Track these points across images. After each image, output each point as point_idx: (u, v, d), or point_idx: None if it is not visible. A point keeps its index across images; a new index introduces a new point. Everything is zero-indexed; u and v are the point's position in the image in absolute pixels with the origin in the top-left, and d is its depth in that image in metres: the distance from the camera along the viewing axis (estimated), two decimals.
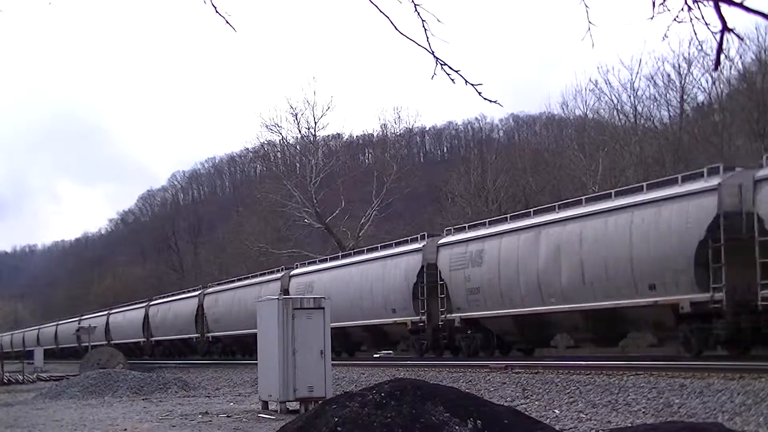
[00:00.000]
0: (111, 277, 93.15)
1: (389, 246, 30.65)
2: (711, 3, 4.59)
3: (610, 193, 21.85)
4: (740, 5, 4.48)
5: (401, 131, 57.35)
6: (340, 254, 36.54)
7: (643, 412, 11.88)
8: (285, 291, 34.09)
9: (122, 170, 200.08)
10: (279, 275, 37.32)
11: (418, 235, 28.91)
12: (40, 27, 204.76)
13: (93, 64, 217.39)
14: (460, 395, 7.33)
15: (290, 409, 15.01)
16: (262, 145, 58.75)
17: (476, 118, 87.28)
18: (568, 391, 14.32)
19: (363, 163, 67.78)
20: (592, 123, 44.88)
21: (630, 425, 10.31)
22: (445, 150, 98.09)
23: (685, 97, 39.27)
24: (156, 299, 53.59)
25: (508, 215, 26.08)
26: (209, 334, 43.50)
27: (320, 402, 8.85)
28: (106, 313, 60.54)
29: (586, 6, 5.04)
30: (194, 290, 48.00)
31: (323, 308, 15.74)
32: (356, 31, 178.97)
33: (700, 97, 39.95)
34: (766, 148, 30.17)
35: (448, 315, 25.80)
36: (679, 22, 4.76)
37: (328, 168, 52.06)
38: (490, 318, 24.49)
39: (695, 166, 25.94)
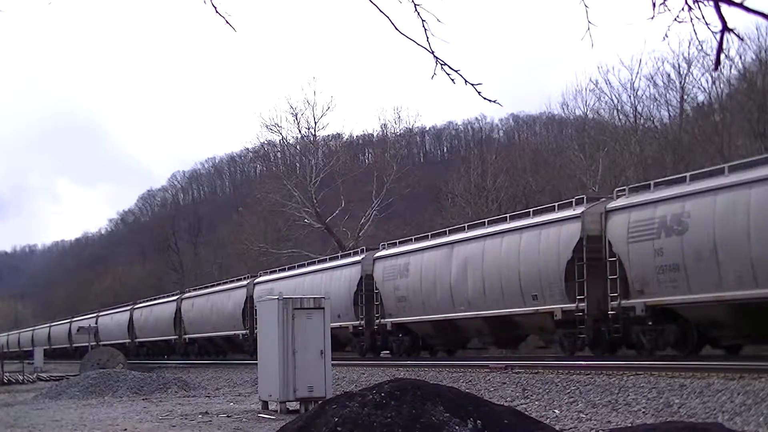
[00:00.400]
0: (111, 277, 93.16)
1: (336, 258, 34.48)
2: (711, 3, 4.59)
3: (506, 216, 26.07)
4: (740, 5, 4.48)
5: (401, 131, 57.36)
6: (296, 264, 38.78)
7: (643, 412, 11.88)
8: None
9: (122, 170, 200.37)
10: (245, 282, 39.83)
11: (359, 249, 32.43)
12: (39, 27, 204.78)
13: (93, 63, 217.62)
14: (460, 395, 7.33)
15: (290, 409, 15.01)
16: (262, 145, 58.77)
17: (476, 118, 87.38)
18: (568, 391, 14.32)
19: (363, 163, 67.74)
20: (592, 123, 44.86)
21: (630, 425, 10.31)
22: (445, 150, 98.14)
23: (685, 97, 39.27)
24: (140, 303, 55.20)
25: (430, 234, 28.94)
26: (186, 336, 46.22)
27: (320, 402, 8.84)
28: (95, 315, 62.02)
29: (586, 6, 5.04)
30: (173, 295, 50.75)
31: (323, 308, 15.76)
32: (356, 31, 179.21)
33: (700, 97, 39.95)
34: (766, 148, 30.19)
35: (382, 320, 28.98)
36: (679, 22, 4.76)
37: (328, 168, 52.03)
38: (414, 323, 27.74)
39: (695, 166, 26.03)
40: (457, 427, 6.63)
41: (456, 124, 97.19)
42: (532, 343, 26.42)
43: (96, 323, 58.09)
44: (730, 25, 4.58)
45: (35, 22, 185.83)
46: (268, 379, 15.79)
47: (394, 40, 73.24)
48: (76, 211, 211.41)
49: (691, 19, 4.70)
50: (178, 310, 47.35)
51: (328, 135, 56.81)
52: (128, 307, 56.53)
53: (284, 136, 53.66)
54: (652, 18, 4.74)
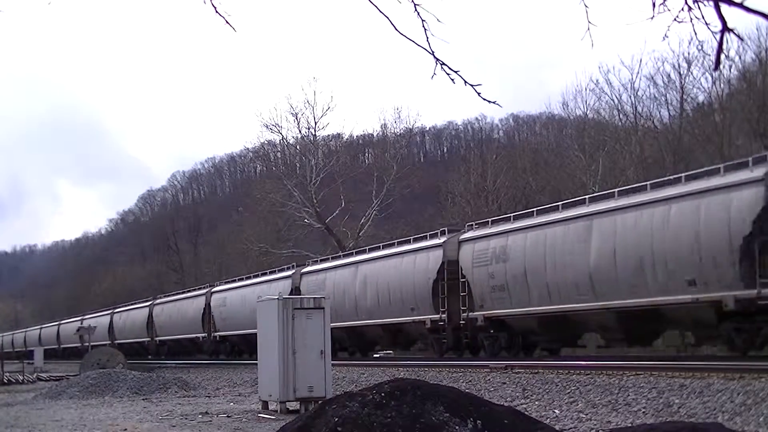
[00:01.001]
0: (111, 277, 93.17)
1: (407, 242, 29.87)
2: (711, 3, 4.59)
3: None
4: (740, 5, 4.48)
5: (401, 131, 57.36)
6: (354, 251, 34.92)
7: (643, 412, 11.88)
8: (296, 289, 33.82)
9: (122, 170, 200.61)
10: (290, 273, 36.52)
11: (438, 231, 28.20)
12: (38, 26, 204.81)
13: (92, 63, 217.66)
14: (460, 395, 7.33)
15: (290, 409, 15.02)
16: (262, 145, 58.82)
17: (476, 118, 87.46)
18: (568, 391, 14.32)
19: (363, 163, 67.74)
20: (592, 123, 44.87)
21: (630, 425, 10.31)
22: (445, 150, 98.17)
23: (685, 97, 39.27)
24: (160, 298, 53.41)
25: (535, 209, 24.57)
26: (216, 334, 42.82)
27: (320, 402, 8.85)
28: (109, 312, 60.33)
29: (586, 6, 5.04)
30: (201, 289, 47.52)
31: (323, 308, 15.76)
32: (356, 31, 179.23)
33: (700, 97, 39.95)
34: (766, 148, 30.18)
35: (470, 313, 24.93)
36: (679, 22, 4.76)
37: (328, 168, 52.03)
38: (514, 317, 23.76)
39: (695, 166, 26.09)
40: (457, 427, 6.62)
41: (456, 124, 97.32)
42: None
43: (110, 321, 58.03)
44: (730, 25, 4.59)
45: (34, 22, 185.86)
46: (268, 379, 15.79)
47: (394, 40, 73.35)
48: (75, 212, 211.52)
49: (691, 19, 4.70)
50: (207, 305, 44.00)
51: (328, 135, 56.89)
52: (147, 303, 53.95)
53: (284, 136, 53.75)
54: (652, 18, 4.74)
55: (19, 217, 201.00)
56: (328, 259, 34.58)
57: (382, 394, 7.01)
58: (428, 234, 29.17)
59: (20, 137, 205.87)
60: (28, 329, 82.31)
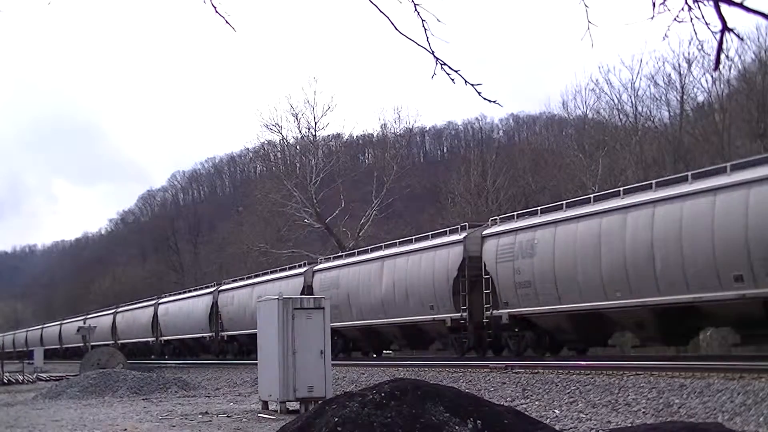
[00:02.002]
0: (111, 277, 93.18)
1: (425, 238, 28.76)
2: (711, 3, 4.59)
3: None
4: (740, 5, 4.48)
5: (401, 131, 57.37)
6: (369, 248, 33.08)
7: (643, 412, 11.88)
8: (308, 287, 33.11)
9: (121, 170, 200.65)
10: (302, 270, 35.30)
11: (458, 226, 27.37)
12: (37, 26, 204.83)
13: (92, 63, 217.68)
14: (460, 395, 7.33)
15: (290, 409, 15.01)
16: (262, 145, 58.82)
17: (476, 118, 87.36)
18: (568, 391, 14.32)
19: (363, 163, 67.78)
20: (592, 123, 44.88)
21: (630, 425, 10.31)
22: (445, 150, 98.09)
23: (685, 97, 39.29)
24: (166, 297, 52.42)
25: (564, 203, 23.20)
26: (224, 333, 41.74)
27: (320, 402, 8.84)
28: (112, 311, 59.42)
29: (586, 6, 5.04)
30: (208, 287, 46.22)
31: (323, 308, 15.76)
32: (356, 31, 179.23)
33: (700, 97, 39.98)
34: (766, 148, 30.18)
35: (494, 311, 23.74)
36: (679, 22, 4.76)
37: (328, 168, 52.05)
38: (542, 314, 22.61)
39: (695, 166, 26.06)
40: (457, 427, 6.63)
41: (456, 124, 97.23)
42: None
43: (113, 321, 57.55)
44: (730, 25, 4.59)
45: (33, 22, 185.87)
46: (268, 379, 15.79)
47: (394, 40, 73.34)
48: (75, 212, 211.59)
49: (691, 19, 4.70)
50: (215, 304, 42.76)
51: (328, 135, 56.89)
52: (152, 302, 52.87)
53: (284, 136, 53.76)
54: (652, 18, 4.74)
55: (18, 217, 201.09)
56: (342, 256, 33.68)
57: (382, 394, 7.01)
58: (448, 229, 27.96)
59: (19, 137, 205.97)
60: (30, 329, 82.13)
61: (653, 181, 20.36)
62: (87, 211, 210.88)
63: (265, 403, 15.86)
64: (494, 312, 23.73)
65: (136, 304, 56.10)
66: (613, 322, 21.33)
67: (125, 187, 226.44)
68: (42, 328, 76.39)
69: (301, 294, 31.40)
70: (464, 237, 25.50)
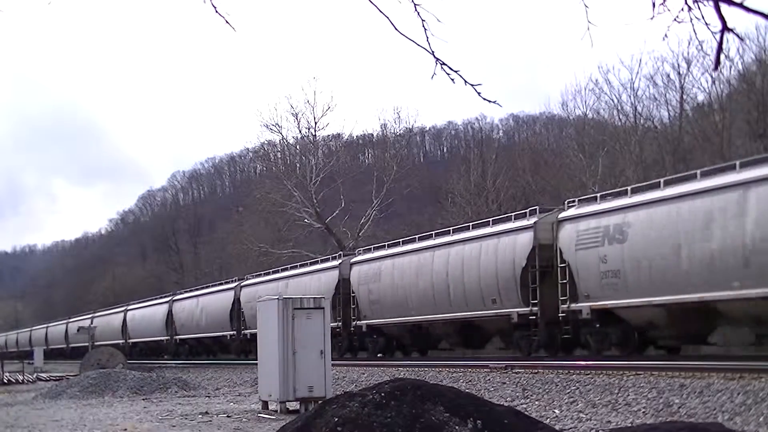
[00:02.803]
0: (111, 277, 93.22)
1: (485, 225, 26.15)
2: (711, 3, 4.59)
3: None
4: (740, 5, 4.48)
5: (401, 131, 57.45)
6: (417, 236, 30.22)
7: (643, 412, 11.88)
8: (344, 281, 31.47)
9: (121, 170, 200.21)
10: (336, 263, 33.27)
11: (527, 211, 24.69)
12: (37, 24, 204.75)
13: (91, 63, 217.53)
14: (460, 395, 7.33)
15: (290, 409, 15.02)
16: (262, 145, 58.87)
17: (476, 118, 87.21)
18: (568, 391, 14.32)
19: (363, 163, 67.79)
20: (592, 123, 44.90)
21: (630, 425, 10.31)
22: (445, 150, 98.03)
23: (684, 97, 39.31)
24: (181, 293, 50.77)
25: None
26: (246, 332, 39.19)
27: (320, 402, 8.85)
28: (122, 309, 57.78)
29: (586, 6, 5.05)
30: (229, 283, 44.11)
31: (323, 308, 15.77)
32: (356, 31, 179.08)
33: (700, 97, 39.99)
34: (766, 148, 30.19)
35: (572, 305, 21.20)
36: (679, 22, 4.76)
37: (328, 168, 52.07)
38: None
39: (695, 166, 26.03)
40: (457, 427, 6.63)
41: (456, 124, 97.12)
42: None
43: (124, 318, 56.57)
44: (729, 25, 4.59)
45: (32, 21, 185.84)
46: (268, 379, 15.80)
47: (394, 40, 73.32)
48: (74, 212, 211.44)
49: (691, 19, 4.71)
50: (237, 301, 41.00)
51: (328, 135, 56.92)
52: (167, 299, 51.08)
53: (284, 136, 53.79)
54: (652, 18, 4.75)
55: (18, 217, 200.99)
56: (384, 246, 31.02)
57: (382, 394, 7.01)
58: (513, 215, 25.40)
59: (18, 137, 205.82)
60: (34, 328, 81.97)
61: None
62: (87, 211, 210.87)
63: (265, 403, 15.87)
64: (572, 305, 21.05)
65: (149, 301, 54.86)
66: (722, 317, 18.31)
67: (125, 187, 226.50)
68: (47, 327, 76.14)
69: (336, 289, 31.26)
70: (534, 222, 22.79)
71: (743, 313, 17.45)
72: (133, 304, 56.93)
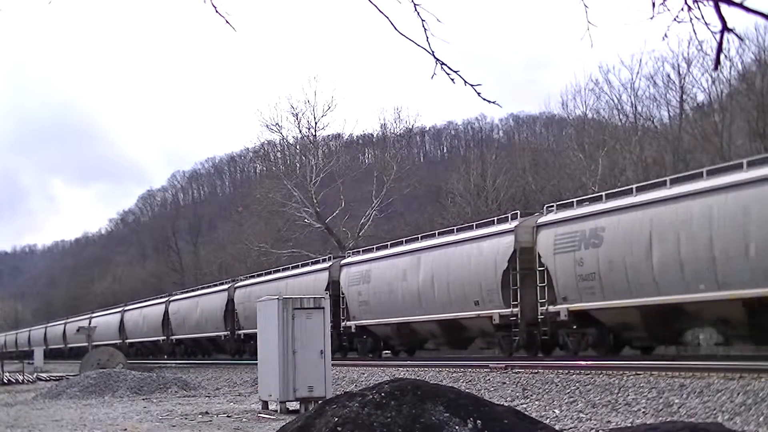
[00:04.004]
0: (111, 277, 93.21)
1: (469, 228, 27.16)
2: (711, 3, 4.59)
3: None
4: (740, 5, 4.48)
5: (401, 131, 57.42)
6: (403, 240, 31.09)
7: (643, 412, 11.88)
8: (334, 283, 32.05)
9: (121, 170, 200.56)
10: (326, 265, 34.06)
11: (509, 215, 25.56)
12: (35, 23, 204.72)
13: (90, 63, 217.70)
14: (460, 395, 7.32)
15: (290, 409, 15.02)
16: (262, 145, 58.89)
17: (476, 118, 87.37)
18: (568, 391, 14.32)
19: (363, 163, 67.78)
20: (592, 123, 44.90)
21: (630, 425, 10.31)
22: (445, 150, 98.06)
23: (685, 97, 39.32)
24: (177, 294, 51.16)
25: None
26: (240, 332, 39.94)
27: (320, 402, 8.85)
28: (120, 310, 58.19)
29: (586, 6, 5.04)
30: (222, 284, 44.90)
31: (323, 308, 15.77)
32: (356, 31, 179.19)
33: (700, 97, 40.01)
34: (766, 148, 30.19)
35: (551, 307, 21.92)
36: (678, 22, 4.76)
37: (328, 168, 52.07)
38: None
39: (695, 166, 26.07)
40: (457, 427, 6.62)
41: (456, 124, 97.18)
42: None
43: (121, 319, 56.69)
44: (729, 25, 4.59)
45: (31, 20, 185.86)
46: (268, 379, 15.80)
47: (394, 40, 73.29)
48: (74, 212, 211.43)
49: (691, 19, 4.70)
50: (230, 302, 41.50)
51: (328, 135, 56.93)
52: (163, 300, 51.97)
53: (284, 136, 53.81)
54: (652, 18, 4.74)
55: (17, 217, 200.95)
56: (373, 249, 31.80)
57: (382, 394, 7.01)
58: (495, 219, 26.36)
59: (17, 137, 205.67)
60: (33, 328, 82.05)
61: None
62: (86, 211, 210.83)
63: (265, 403, 15.87)
64: (550, 308, 21.80)
65: (146, 301, 55.17)
66: (692, 318, 19.00)
67: (124, 188, 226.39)
68: (45, 327, 76.16)
69: (326, 290, 31.16)
70: (515, 226, 23.58)
71: (710, 315, 18.22)
72: (131, 304, 57.17)
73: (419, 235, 30.36)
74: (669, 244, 18.61)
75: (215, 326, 42.57)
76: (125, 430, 13.43)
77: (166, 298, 51.01)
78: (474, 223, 27.40)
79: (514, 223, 23.85)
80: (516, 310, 23.01)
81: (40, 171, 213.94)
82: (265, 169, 66.42)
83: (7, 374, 34.39)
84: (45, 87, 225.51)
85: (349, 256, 33.44)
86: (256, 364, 17.63)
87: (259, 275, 41.17)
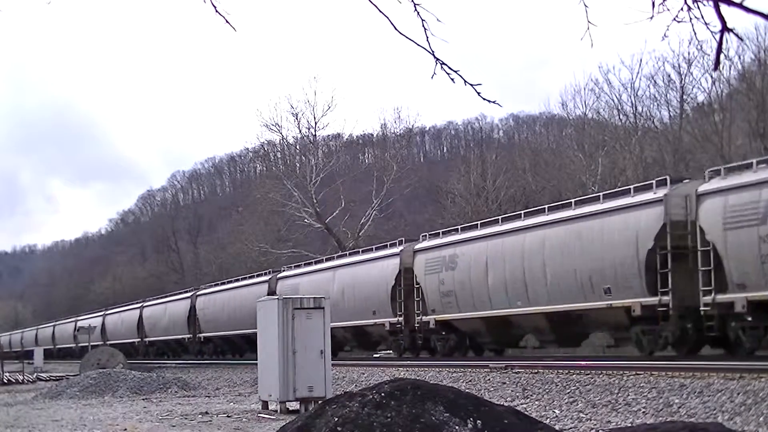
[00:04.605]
0: (111, 277, 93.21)
1: (369, 250, 32.21)
2: (710, 3, 4.59)
3: (570, 203, 23.09)
4: (740, 5, 4.48)
5: (401, 131, 57.41)
6: (324, 258, 36.67)
7: (643, 412, 11.88)
8: (272, 293, 34.61)
9: (120, 170, 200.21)
10: (267, 278, 38.37)
11: (397, 240, 30.28)
12: (34, 24, 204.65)
13: (90, 63, 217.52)
14: (460, 395, 7.32)
15: (290, 409, 15.02)
16: (262, 145, 58.85)
17: (476, 118, 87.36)
18: (568, 391, 14.32)
19: (363, 163, 67.77)
20: (592, 123, 44.89)
21: (630, 425, 10.31)
22: (445, 150, 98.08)
23: (685, 97, 39.31)
24: (149, 300, 54.17)
25: (479, 222, 27.36)
26: (201, 335, 44.74)
27: (320, 402, 8.85)
28: (101, 314, 60.93)
29: (586, 6, 5.04)
30: (186, 292, 49.00)
31: (323, 308, 15.76)
32: (356, 31, 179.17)
33: (700, 97, 40.01)
34: (766, 148, 30.20)
35: (424, 317, 27.09)
36: (678, 21, 4.75)
37: (328, 168, 52.06)
38: (461, 320, 26.03)
39: (695, 166, 26.12)
40: (457, 427, 6.62)
41: (456, 124, 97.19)
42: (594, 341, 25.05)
43: (103, 322, 57.97)
44: (729, 25, 4.58)
45: (29, 20, 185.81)
46: (268, 379, 15.80)
47: (394, 40, 73.22)
48: (74, 212, 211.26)
49: (691, 19, 4.70)
50: (192, 308, 45.25)
51: (328, 135, 56.91)
52: (137, 305, 54.46)
53: (284, 136, 53.78)
54: (652, 18, 4.74)
55: (17, 217, 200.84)
56: (301, 265, 35.56)
57: (382, 394, 7.01)
58: (388, 243, 31.18)
59: (15, 137, 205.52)
60: (25, 330, 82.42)
61: (572, 200, 23.24)
62: (86, 211, 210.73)
63: (265, 403, 15.87)
64: (423, 318, 26.86)
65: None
66: (515, 327, 24.46)
67: (124, 188, 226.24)
68: (54, 325, 75.97)
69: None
70: (400, 251, 28.55)
71: (526, 325, 23.82)
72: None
73: (335, 255, 36.34)
74: (498, 270, 23.87)
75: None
76: (125, 430, 13.43)
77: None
78: (374, 246, 32.51)
79: (400, 248, 28.80)
80: (401, 318, 27.89)
81: (40, 171, 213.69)
82: (265, 169, 66.42)
83: (7, 374, 34.38)
84: (44, 87, 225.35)
85: (285, 270, 36.43)
86: (241, 364, 17.67)
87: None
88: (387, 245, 30.80)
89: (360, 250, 34.05)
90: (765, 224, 16.80)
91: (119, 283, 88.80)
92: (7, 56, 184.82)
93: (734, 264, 17.50)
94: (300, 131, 52.44)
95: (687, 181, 20.03)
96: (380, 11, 5.28)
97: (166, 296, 53.28)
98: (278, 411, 15.07)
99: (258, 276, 40.39)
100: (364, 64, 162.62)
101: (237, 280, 42.95)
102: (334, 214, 51.00)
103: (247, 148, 69.24)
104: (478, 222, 27.40)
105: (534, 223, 23.16)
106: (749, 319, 17.47)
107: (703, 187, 18.65)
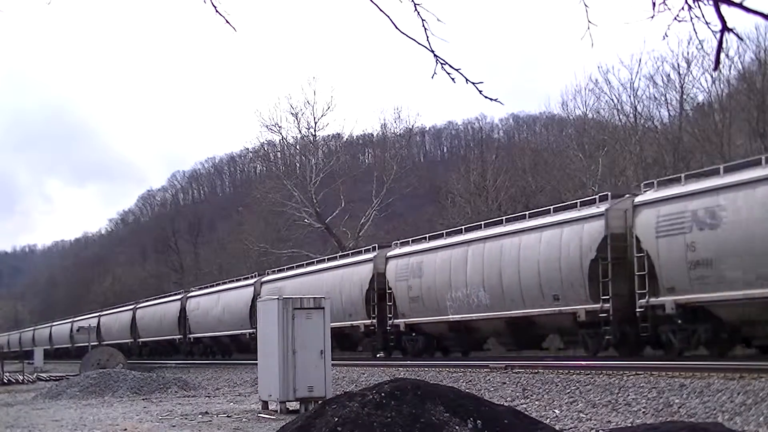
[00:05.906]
0: (111, 277, 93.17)
1: (346, 256, 34.20)
2: (711, 3, 4.59)
3: (525, 214, 24.82)
4: (740, 5, 4.47)
5: (401, 131, 57.34)
6: (304, 263, 37.90)
7: (643, 412, 11.88)
8: (257, 296, 35.00)
9: (120, 170, 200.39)
10: (252, 281, 39.74)
11: (371, 246, 31.88)
12: (32, 24, 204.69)
13: (88, 63, 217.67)
14: (460, 395, 7.33)
15: (290, 409, 15.02)
16: (262, 145, 58.81)
17: (476, 118, 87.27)
18: (568, 391, 14.31)
19: (363, 163, 67.73)
20: (592, 123, 44.85)
21: (630, 425, 10.31)
22: (445, 150, 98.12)
23: (685, 97, 39.26)
24: (142, 302, 54.90)
25: (444, 232, 28.43)
26: (191, 336, 45.83)
27: (320, 402, 8.84)
28: (97, 315, 61.87)
29: (586, 5, 5.04)
30: (177, 294, 50.26)
31: (323, 308, 15.76)
32: (356, 30, 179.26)
33: (700, 97, 39.94)
34: (766, 148, 30.19)
35: (394, 320, 28.50)
36: (679, 21, 4.75)
37: (328, 168, 52.03)
38: (428, 323, 27.31)
39: (695, 166, 26.14)
40: (457, 427, 6.63)
41: (456, 124, 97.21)
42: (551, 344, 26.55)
43: (98, 323, 58.41)
44: (729, 24, 4.58)
45: (28, 20, 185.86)
46: (268, 379, 15.80)
47: (394, 40, 73.17)
48: (73, 212, 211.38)
49: (691, 18, 4.70)
50: (183, 309, 46.96)
51: (328, 135, 56.86)
52: (131, 307, 55.72)
53: (284, 136, 53.75)
54: (652, 17, 4.74)
55: (16, 217, 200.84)
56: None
57: (382, 394, 7.01)
58: (363, 249, 32.90)
59: (13, 137, 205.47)
60: (23, 330, 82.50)
61: (527, 213, 24.76)
62: (86, 211, 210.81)
63: (265, 403, 15.87)
64: (395, 320, 28.33)
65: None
66: (479, 331, 25.86)
67: (124, 188, 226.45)
68: (51, 326, 76.13)
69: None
70: (374, 257, 29.89)
71: (488, 329, 25.42)
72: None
73: (315, 259, 36.63)
74: (460, 277, 25.07)
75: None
76: (125, 430, 13.43)
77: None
78: (350, 251, 34.62)
79: (373, 254, 30.13)
80: (374, 321, 29.52)
81: (39, 171, 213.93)
82: (265, 169, 66.41)
83: (7, 374, 34.38)
84: (44, 87, 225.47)
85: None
86: (241, 364, 17.62)
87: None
88: (362, 251, 32.53)
89: (338, 255, 36.11)
90: (691, 232, 18.34)
91: (119, 283, 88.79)
92: (7, 56, 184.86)
93: (665, 269, 18.97)
94: (300, 131, 52.48)
95: (627, 196, 21.44)
96: (380, 10, 5.28)
97: (158, 298, 54.01)
98: (278, 411, 15.07)
99: (244, 279, 41.83)
100: (364, 64, 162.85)
101: (224, 283, 44.36)
102: (334, 214, 50.99)
103: (247, 149, 69.23)
104: (444, 231, 28.93)
105: (493, 234, 24.67)
106: (679, 321, 18.79)
107: (639, 199, 20.35)
